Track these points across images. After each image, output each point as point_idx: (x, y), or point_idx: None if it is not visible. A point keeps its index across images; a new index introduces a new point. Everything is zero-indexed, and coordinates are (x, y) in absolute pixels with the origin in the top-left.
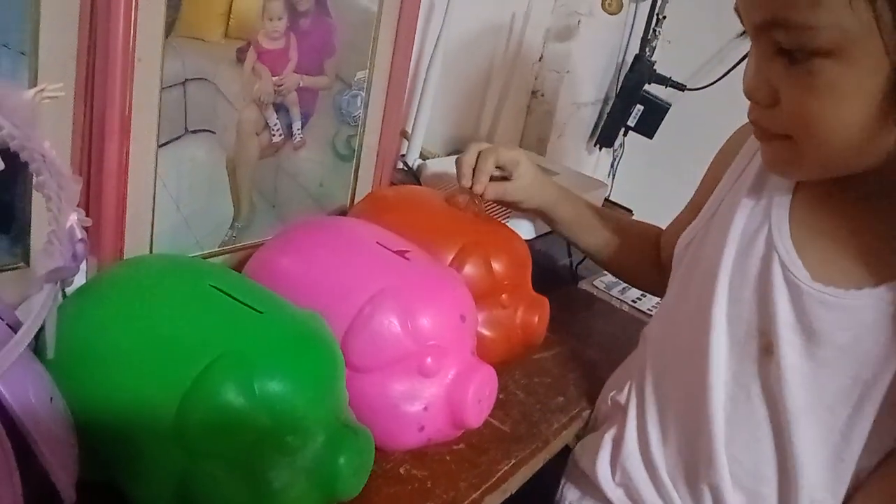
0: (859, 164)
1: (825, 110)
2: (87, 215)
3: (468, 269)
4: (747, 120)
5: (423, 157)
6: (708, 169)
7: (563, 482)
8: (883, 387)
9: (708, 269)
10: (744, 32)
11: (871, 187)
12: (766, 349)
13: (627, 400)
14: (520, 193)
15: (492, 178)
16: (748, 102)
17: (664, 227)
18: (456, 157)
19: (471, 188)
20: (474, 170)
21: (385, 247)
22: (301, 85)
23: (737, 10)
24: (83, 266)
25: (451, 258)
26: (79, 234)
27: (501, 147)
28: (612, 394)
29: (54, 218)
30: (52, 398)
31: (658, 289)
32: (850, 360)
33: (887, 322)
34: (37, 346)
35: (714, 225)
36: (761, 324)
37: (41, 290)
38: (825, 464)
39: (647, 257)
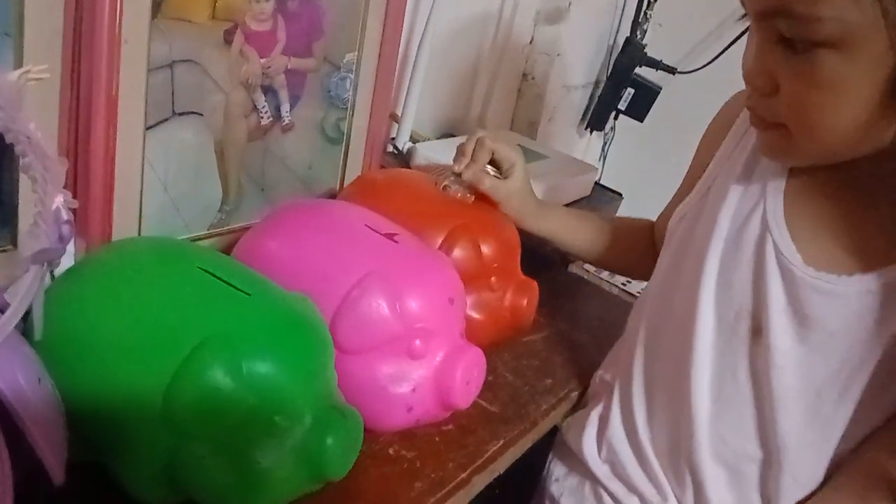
0: (854, 153)
1: (824, 102)
2: (75, 197)
3: (457, 252)
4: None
5: (412, 140)
6: (700, 143)
7: (550, 458)
8: (868, 371)
9: (700, 248)
10: (743, 16)
11: (865, 175)
12: (756, 331)
13: (615, 376)
14: (503, 195)
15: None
16: (738, 86)
17: (656, 215)
18: (446, 139)
19: (460, 174)
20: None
21: (374, 229)
22: (289, 67)
23: None
24: (71, 248)
25: (440, 241)
26: (65, 215)
27: (502, 143)
28: (600, 372)
29: (40, 200)
30: (40, 379)
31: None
32: (839, 345)
33: (877, 308)
34: (25, 328)
35: (708, 202)
36: (752, 306)
37: (27, 272)
38: (809, 445)
39: (640, 250)
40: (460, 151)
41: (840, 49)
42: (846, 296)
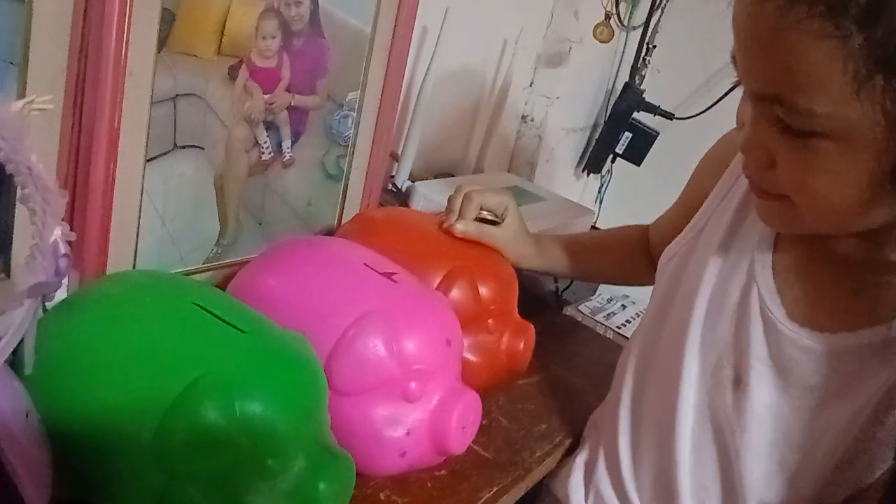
0: (854, 228)
1: (822, 184)
2: (72, 229)
3: (455, 292)
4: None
5: (411, 179)
6: (695, 172)
7: None
8: (840, 428)
9: (688, 291)
10: (737, 83)
11: (854, 245)
12: (737, 380)
13: (602, 421)
14: (499, 241)
15: (481, 219)
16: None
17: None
18: (444, 178)
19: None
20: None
21: (372, 268)
22: (292, 104)
23: (735, 65)
24: (65, 280)
25: (438, 281)
26: (62, 248)
27: (489, 192)
28: (592, 416)
29: (38, 232)
30: (27, 414)
31: (649, 285)
32: (817, 398)
33: (857, 367)
34: (14, 361)
35: (699, 245)
36: (733, 354)
37: (21, 306)
38: (774, 494)
39: (639, 261)
40: (448, 208)
41: (837, 141)
42: (825, 352)
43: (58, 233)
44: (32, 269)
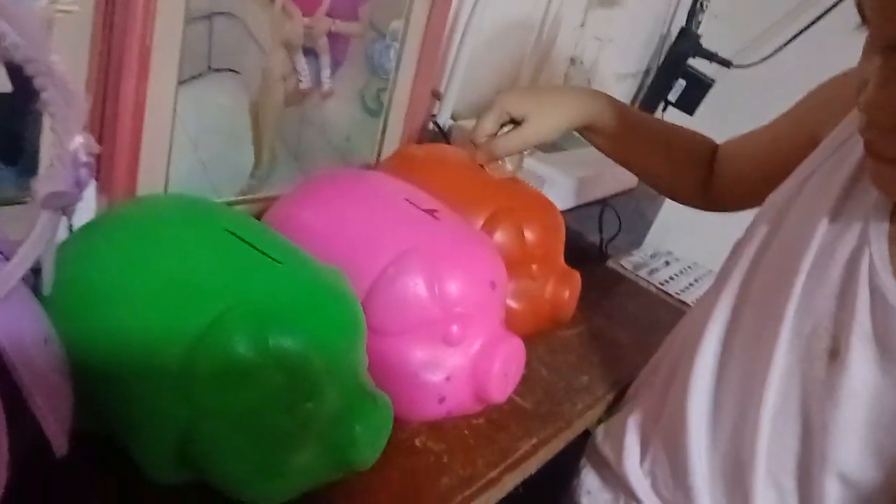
0: None
1: None
2: (100, 151)
3: (499, 235)
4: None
5: (454, 119)
6: (805, 107)
7: (582, 465)
8: None
9: (790, 246)
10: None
11: None
12: (834, 353)
13: (666, 384)
14: (535, 138)
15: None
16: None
17: (699, 212)
18: None
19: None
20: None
21: (413, 204)
22: (332, 30)
23: (861, 12)
24: (92, 204)
25: (481, 223)
26: (83, 157)
27: (510, 99)
28: (644, 376)
29: (58, 139)
30: (46, 340)
31: (696, 205)
32: None
33: None
34: (34, 283)
35: (804, 195)
36: (832, 324)
37: (39, 218)
38: (869, 480)
39: (697, 170)
40: (472, 138)
41: None
42: None
43: (79, 140)
44: (51, 178)
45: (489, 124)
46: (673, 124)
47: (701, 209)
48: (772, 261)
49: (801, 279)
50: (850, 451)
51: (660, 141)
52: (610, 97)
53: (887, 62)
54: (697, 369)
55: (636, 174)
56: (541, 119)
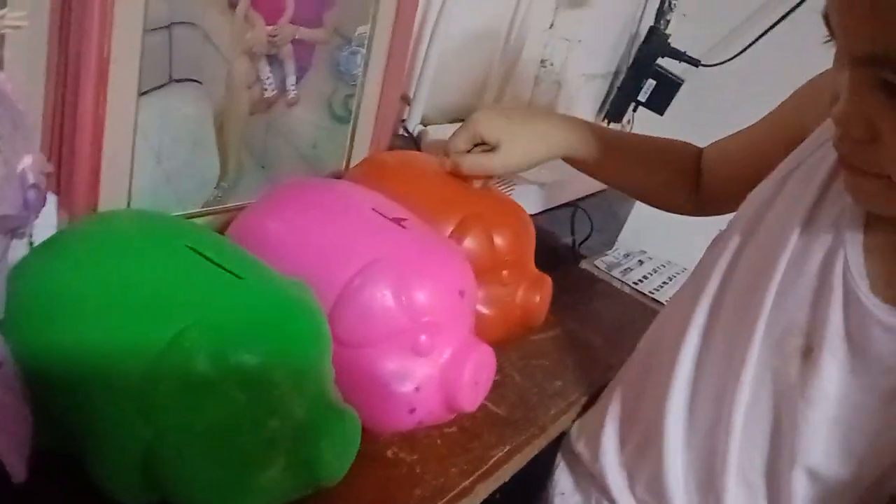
0: None
1: None
2: (59, 164)
3: (468, 242)
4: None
5: (424, 124)
6: (792, 103)
7: (557, 465)
8: None
9: (767, 245)
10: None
11: None
12: (807, 352)
13: (643, 381)
14: (501, 168)
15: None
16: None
17: (672, 213)
18: (458, 124)
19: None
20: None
21: (381, 213)
22: (297, 37)
23: (828, 26)
24: (53, 220)
25: (450, 230)
26: (31, 178)
27: (483, 123)
28: (623, 374)
29: (4, 160)
30: (2, 363)
31: (689, 212)
32: (893, 382)
33: None
34: None
35: (784, 193)
36: (806, 323)
37: None
38: (833, 478)
39: (686, 179)
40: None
41: None
42: None
43: (27, 161)
44: None
45: (461, 142)
46: (653, 137)
47: (697, 216)
48: (749, 261)
49: (776, 280)
50: (820, 449)
51: (644, 157)
52: (588, 124)
53: (856, 75)
54: (675, 369)
55: (627, 193)
56: (511, 149)
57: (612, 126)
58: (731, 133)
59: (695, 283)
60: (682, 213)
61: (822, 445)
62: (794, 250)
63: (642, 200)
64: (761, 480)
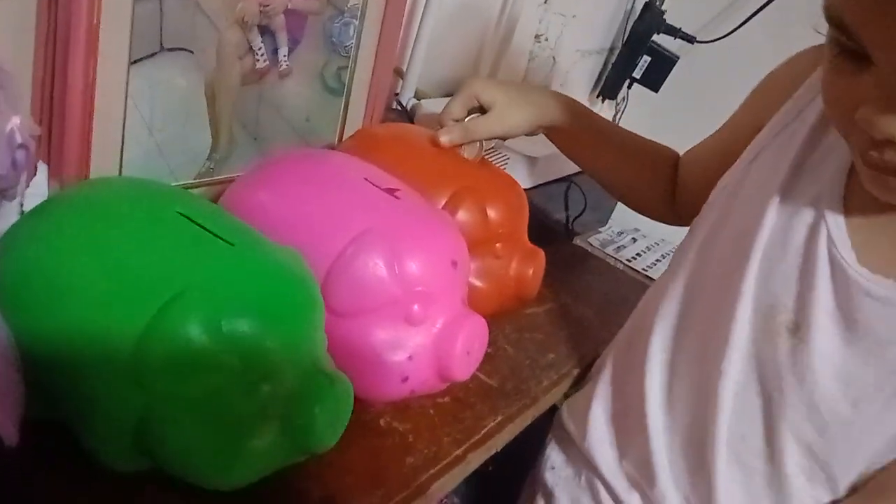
0: None
1: None
2: (50, 133)
3: (461, 214)
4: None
5: (417, 97)
6: (753, 95)
7: (548, 441)
8: None
9: (743, 228)
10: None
11: None
12: (795, 328)
13: (627, 359)
14: (495, 128)
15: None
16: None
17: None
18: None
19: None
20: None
21: (373, 184)
22: (289, 7)
23: (841, 29)
24: (44, 189)
25: (443, 202)
26: (19, 138)
27: (480, 85)
28: (610, 351)
29: None
30: None
31: (661, 217)
32: (888, 355)
33: None
34: None
35: (750, 177)
36: (793, 300)
37: None
38: (835, 456)
39: (662, 183)
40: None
41: None
42: None
43: (16, 121)
44: None
45: (456, 108)
46: (639, 136)
47: (670, 223)
48: (725, 242)
49: (756, 258)
50: (814, 427)
51: (628, 152)
52: (579, 103)
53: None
54: (649, 350)
55: (605, 186)
56: (507, 111)
57: (607, 102)
58: (720, 116)
59: (672, 268)
60: (657, 219)
61: (816, 422)
62: (772, 229)
63: (620, 198)
64: (757, 461)
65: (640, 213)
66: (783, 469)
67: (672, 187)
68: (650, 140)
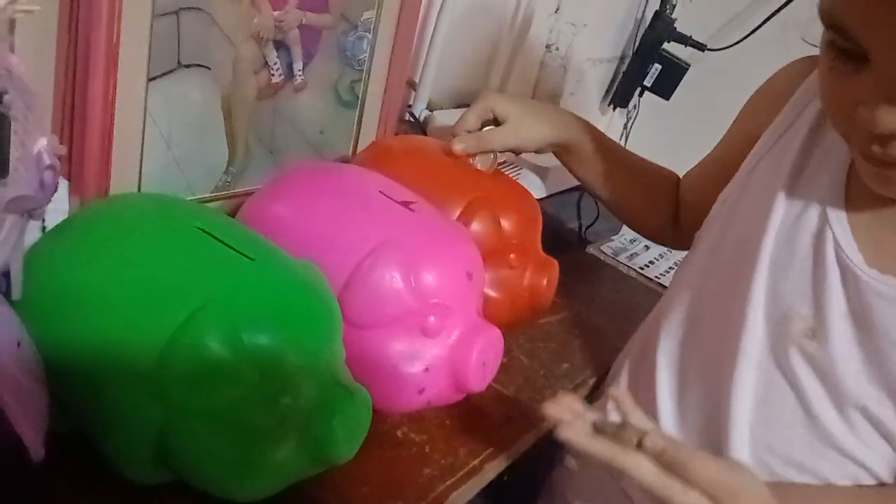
0: None
1: None
2: (70, 149)
3: (476, 225)
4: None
5: (430, 109)
6: (745, 109)
7: (564, 451)
8: None
9: (747, 238)
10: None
11: None
12: (812, 334)
13: (639, 368)
14: (508, 140)
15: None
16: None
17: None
18: (464, 109)
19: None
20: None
21: (389, 197)
22: (303, 22)
23: (832, 21)
24: (65, 205)
25: (457, 213)
26: (47, 160)
27: (496, 98)
28: (622, 359)
29: (20, 142)
30: (19, 343)
31: (667, 241)
32: None
33: None
34: (6, 288)
35: (752, 184)
36: (807, 307)
37: (4, 222)
38: (861, 443)
39: (662, 205)
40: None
41: None
42: None
43: (42, 143)
44: (14, 182)
45: (471, 119)
46: (643, 158)
47: (672, 247)
48: (729, 251)
49: (763, 265)
50: (842, 427)
51: (636, 174)
52: (591, 125)
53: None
54: (659, 363)
55: (611, 207)
56: (522, 124)
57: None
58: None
59: (675, 281)
60: (659, 242)
61: (844, 424)
62: (777, 237)
63: (625, 220)
64: (788, 467)
65: (644, 235)
66: (819, 470)
67: (675, 209)
68: (653, 162)
